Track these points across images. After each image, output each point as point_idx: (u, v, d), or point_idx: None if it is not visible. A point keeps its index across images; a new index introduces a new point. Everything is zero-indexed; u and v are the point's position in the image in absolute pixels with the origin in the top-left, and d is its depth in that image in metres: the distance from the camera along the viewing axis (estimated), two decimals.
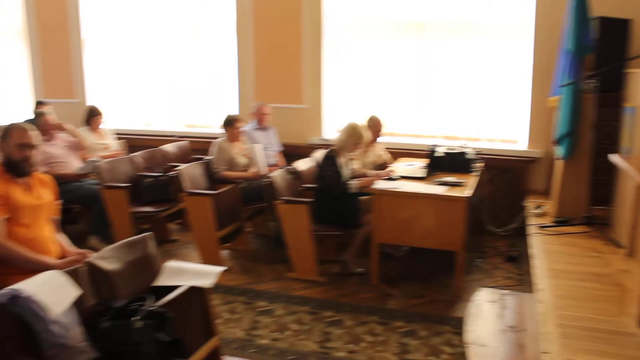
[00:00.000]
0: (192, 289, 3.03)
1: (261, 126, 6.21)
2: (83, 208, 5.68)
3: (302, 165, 5.45)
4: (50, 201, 3.45)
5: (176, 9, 7.27)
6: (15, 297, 2.39)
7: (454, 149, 5.43)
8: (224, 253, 5.41)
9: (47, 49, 7.90)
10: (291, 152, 6.51)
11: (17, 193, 3.26)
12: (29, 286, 2.44)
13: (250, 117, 6.37)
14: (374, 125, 5.55)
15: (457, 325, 4.09)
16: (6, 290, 2.41)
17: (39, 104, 6.79)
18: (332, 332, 4.04)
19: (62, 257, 3.36)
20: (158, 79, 7.56)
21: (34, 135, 3.39)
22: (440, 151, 5.37)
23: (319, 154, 5.77)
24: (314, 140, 6.64)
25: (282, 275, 5.04)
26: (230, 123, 5.66)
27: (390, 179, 4.99)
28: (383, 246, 5.00)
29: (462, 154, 5.36)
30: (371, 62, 6.52)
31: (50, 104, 6.80)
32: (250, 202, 5.57)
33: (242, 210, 5.48)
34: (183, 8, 7.23)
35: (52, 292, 2.49)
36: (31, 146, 3.32)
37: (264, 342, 3.90)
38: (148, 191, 5.51)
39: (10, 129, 3.36)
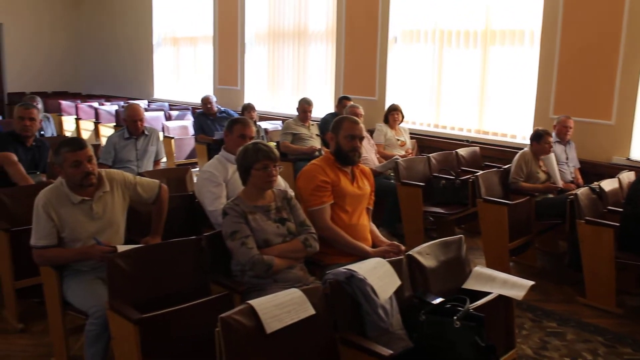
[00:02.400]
0: (500, 298, 3.00)
1: (561, 140, 5.92)
2: (375, 201, 5.96)
3: (607, 185, 5.08)
4: (368, 192, 3.68)
5: (477, 10, 7.26)
6: (351, 278, 2.59)
7: None
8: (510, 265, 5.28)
9: (352, 48, 8.45)
10: (588, 170, 6.13)
11: (344, 181, 3.52)
12: (362, 270, 2.63)
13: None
14: None
15: None
16: (343, 269, 2.63)
17: (343, 99, 7.28)
18: None
19: (374, 246, 3.55)
20: (452, 82, 7.64)
21: (362, 128, 3.63)
22: None
23: (626, 175, 5.36)
24: (619, 160, 6.13)
25: (571, 298, 4.77)
26: (539, 137, 5.45)
27: None
28: None
29: None
30: None
31: (353, 99, 7.27)
32: (542, 217, 5.36)
33: (533, 224, 5.30)
34: (485, 9, 7.20)
35: (380, 278, 2.65)
36: (360, 138, 3.56)
37: None
38: (441, 192, 5.60)
39: (341, 121, 3.63)
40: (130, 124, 5.42)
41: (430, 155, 6.04)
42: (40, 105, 6.57)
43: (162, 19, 12.45)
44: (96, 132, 10.15)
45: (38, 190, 3.34)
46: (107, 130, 9.69)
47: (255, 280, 3.02)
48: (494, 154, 6.87)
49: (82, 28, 14.79)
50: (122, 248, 3.08)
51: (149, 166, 5.44)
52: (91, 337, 3.03)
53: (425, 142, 7.52)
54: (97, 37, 14.36)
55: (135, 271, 2.90)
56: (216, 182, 3.78)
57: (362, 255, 3.30)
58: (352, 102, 6.93)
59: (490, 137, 7.26)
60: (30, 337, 3.90)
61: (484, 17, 7.22)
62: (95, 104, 11.01)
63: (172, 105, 11.31)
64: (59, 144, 3.31)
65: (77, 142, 3.30)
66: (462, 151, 6.47)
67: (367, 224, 3.62)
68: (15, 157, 4.54)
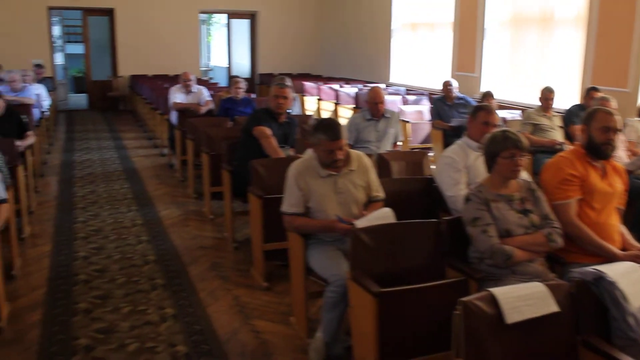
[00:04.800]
0: None
1: None
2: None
3: None
4: (620, 190, 3.42)
5: None
6: (600, 279, 2.45)
7: None
8: None
9: (605, 34, 7.83)
10: None
11: (594, 176, 3.31)
12: (613, 272, 2.47)
13: None
14: None
15: None
16: (591, 269, 2.49)
17: (591, 90, 6.81)
18: None
19: (623, 249, 3.30)
20: None
21: (618, 120, 3.38)
22: None
23: None
24: None
25: None
26: None
27: None
28: None
29: None
30: None
31: (602, 91, 6.76)
32: None
33: None
34: None
35: (633, 284, 2.48)
36: (615, 130, 3.32)
37: None
38: None
39: (595, 112, 3.41)
40: (372, 106, 5.61)
41: None
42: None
43: (402, 5, 12.65)
44: (335, 112, 10.68)
45: (288, 163, 3.64)
46: (345, 112, 10.16)
47: (493, 270, 2.98)
48: None
49: (325, 14, 15.63)
50: (361, 224, 3.21)
51: (387, 147, 5.60)
52: (330, 303, 3.24)
53: None
54: (338, 23, 15.07)
55: (377, 246, 3.03)
56: (456, 168, 3.79)
57: (609, 257, 3.09)
58: (601, 94, 6.45)
59: None
60: (274, 295, 4.28)
61: None
62: (336, 86, 11.55)
63: (409, 90, 11.47)
64: (317, 126, 3.45)
65: (334, 132, 3.37)
66: None
67: (616, 225, 3.37)
68: (269, 132, 4.96)
